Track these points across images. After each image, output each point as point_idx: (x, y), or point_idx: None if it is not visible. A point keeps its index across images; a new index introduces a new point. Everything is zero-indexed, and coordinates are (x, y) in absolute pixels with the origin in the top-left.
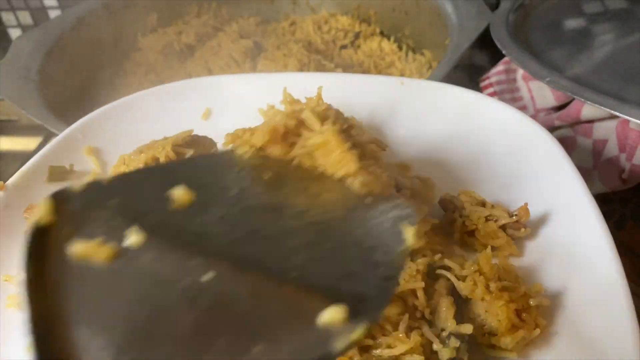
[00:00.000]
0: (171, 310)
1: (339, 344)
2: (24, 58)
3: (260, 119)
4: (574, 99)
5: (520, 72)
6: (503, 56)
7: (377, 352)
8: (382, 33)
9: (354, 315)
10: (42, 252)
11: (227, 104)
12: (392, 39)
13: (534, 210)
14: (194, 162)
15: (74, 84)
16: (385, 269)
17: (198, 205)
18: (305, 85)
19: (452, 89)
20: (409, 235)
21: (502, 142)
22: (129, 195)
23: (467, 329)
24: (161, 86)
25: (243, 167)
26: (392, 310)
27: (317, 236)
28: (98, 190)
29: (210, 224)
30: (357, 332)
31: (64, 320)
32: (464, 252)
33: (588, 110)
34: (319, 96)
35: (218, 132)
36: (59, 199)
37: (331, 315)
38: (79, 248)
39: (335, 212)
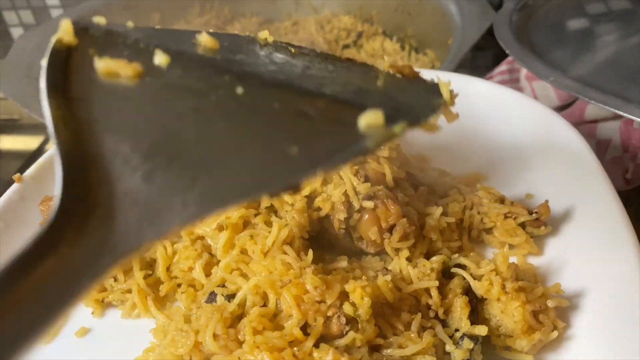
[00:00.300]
0: (204, 118)
1: (375, 139)
2: (26, 57)
3: None
4: (577, 99)
5: (524, 72)
6: (506, 56)
7: (388, 351)
8: (384, 33)
9: (391, 119)
10: (66, 68)
11: None
12: (394, 38)
13: (556, 207)
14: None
15: None
16: (424, 85)
17: (224, 50)
18: None
19: (472, 80)
20: (445, 91)
21: (524, 135)
22: (152, 34)
23: (482, 330)
24: None
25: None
26: (403, 309)
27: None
28: (120, 27)
29: (238, 60)
30: (397, 128)
31: (91, 127)
32: (481, 249)
33: (592, 110)
34: None
35: None
36: (80, 26)
37: (369, 117)
38: (105, 64)
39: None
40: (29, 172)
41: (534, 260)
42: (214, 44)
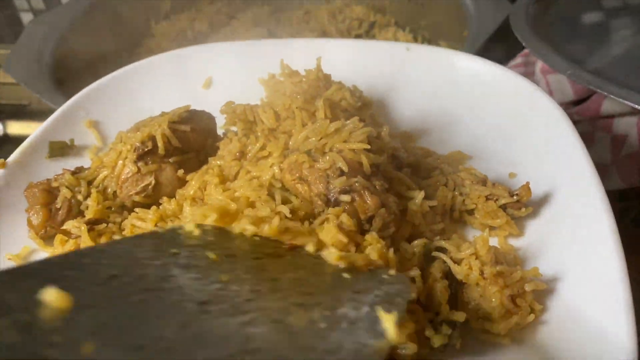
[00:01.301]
0: None
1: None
2: (37, 42)
3: (261, 88)
4: (593, 93)
5: (539, 66)
6: (521, 49)
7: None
8: (397, 24)
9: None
10: None
11: (228, 73)
12: (407, 29)
13: (537, 188)
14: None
15: (87, 68)
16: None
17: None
18: (309, 51)
19: (461, 57)
20: (389, 326)
21: (509, 113)
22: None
23: (460, 316)
24: (161, 55)
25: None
26: None
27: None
28: None
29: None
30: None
31: None
32: (463, 230)
33: (608, 105)
34: (319, 67)
35: (220, 102)
36: None
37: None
38: None
39: (295, 297)
40: (13, 157)
41: (515, 242)
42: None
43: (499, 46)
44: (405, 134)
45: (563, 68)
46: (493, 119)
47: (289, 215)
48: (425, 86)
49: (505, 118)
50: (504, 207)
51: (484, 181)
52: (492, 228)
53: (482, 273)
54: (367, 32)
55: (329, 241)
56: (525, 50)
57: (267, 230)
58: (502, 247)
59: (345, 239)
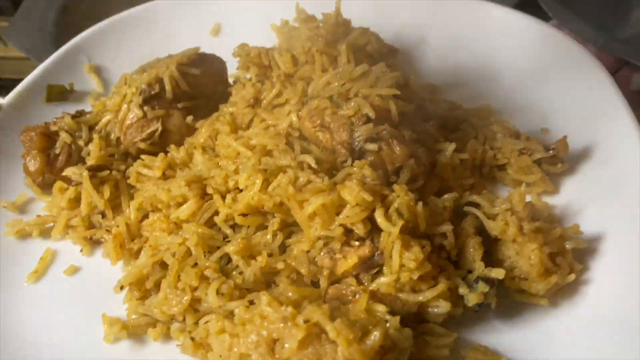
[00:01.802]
0: None
1: None
2: (39, 11)
3: (273, 35)
4: (620, 68)
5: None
6: (547, 20)
7: (402, 295)
8: None
9: None
10: None
11: (238, 18)
12: None
13: (573, 144)
14: None
15: None
16: None
17: None
18: None
19: (495, 8)
20: None
21: (541, 66)
22: None
23: (499, 273)
24: None
25: None
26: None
27: None
28: None
29: None
30: None
31: None
32: (493, 187)
33: (638, 79)
34: (338, 11)
35: (229, 50)
36: None
37: None
38: None
39: None
40: (8, 100)
41: (549, 200)
42: None
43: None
44: (430, 86)
45: (593, 38)
46: (525, 73)
47: (314, 166)
48: (455, 37)
49: (538, 73)
50: (538, 162)
51: (517, 134)
52: (526, 184)
53: (521, 229)
54: None
55: (353, 200)
56: (552, 22)
57: (284, 182)
58: (536, 204)
59: (369, 197)
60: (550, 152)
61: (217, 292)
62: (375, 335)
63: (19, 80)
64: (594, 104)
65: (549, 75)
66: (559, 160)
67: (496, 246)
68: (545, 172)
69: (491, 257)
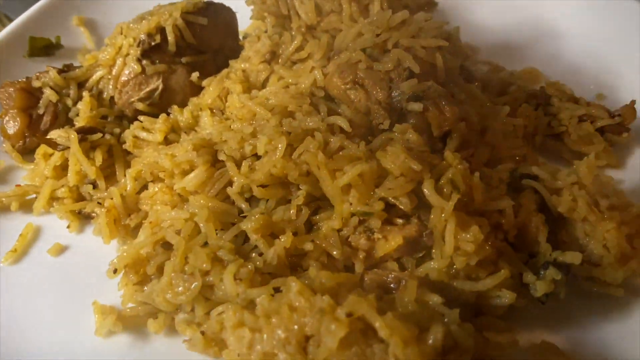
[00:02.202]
0: None
1: None
2: None
3: None
4: None
5: None
6: None
7: (457, 283)
8: None
9: None
10: None
11: None
12: None
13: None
14: None
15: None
16: None
17: None
18: None
19: None
20: None
21: (598, 25)
22: None
23: (575, 257)
24: None
25: None
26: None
27: None
28: None
29: None
30: None
31: None
32: (545, 160)
33: None
34: None
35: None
36: None
37: None
38: None
39: None
40: None
41: (613, 174)
42: None
43: None
44: (467, 46)
45: None
46: (578, 33)
47: (347, 129)
48: None
49: (591, 32)
50: (601, 131)
51: (575, 99)
52: (581, 155)
53: (596, 204)
54: None
55: (397, 170)
56: None
57: (313, 148)
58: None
59: (417, 165)
60: (616, 119)
61: (235, 277)
62: (436, 334)
63: None
64: None
65: (604, 37)
66: (624, 128)
67: (560, 226)
68: (609, 141)
69: (554, 238)
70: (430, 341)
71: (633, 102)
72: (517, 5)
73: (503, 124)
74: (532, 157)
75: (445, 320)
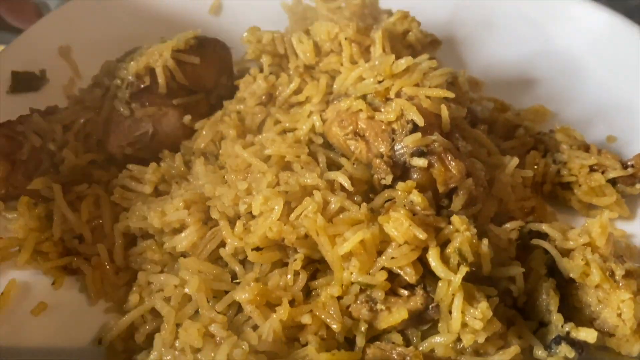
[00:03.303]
0: None
1: None
2: None
3: (284, 16)
4: None
5: None
6: None
7: (463, 359)
8: None
9: None
10: None
11: None
12: None
13: None
14: None
15: None
16: None
17: None
18: None
19: None
20: None
21: (613, 66)
22: None
23: (590, 336)
24: None
25: None
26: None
27: None
28: None
29: None
30: None
31: None
32: (555, 209)
33: None
34: None
35: (231, 32)
36: None
37: None
38: None
39: None
40: None
41: (625, 226)
42: None
43: None
44: (471, 81)
45: None
46: (587, 69)
47: (348, 187)
48: (500, 24)
49: (602, 69)
50: (613, 182)
51: (586, 146)
52: (593, 206)
53: (612, 274)
54: None
55: (401, 238)
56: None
57: (311, 210)
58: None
59: (422, 234)
60: (629, 169)
61: (228, 358)
62: None
63: None
64: None
65: (617, 75)
66: (637, 179)
67: (571, 289)
68: (621, 193)
69: (564, 302)
70: None
71: None
72: (525, 37)
73: (512, 176)
74: (541, 207)
75: None
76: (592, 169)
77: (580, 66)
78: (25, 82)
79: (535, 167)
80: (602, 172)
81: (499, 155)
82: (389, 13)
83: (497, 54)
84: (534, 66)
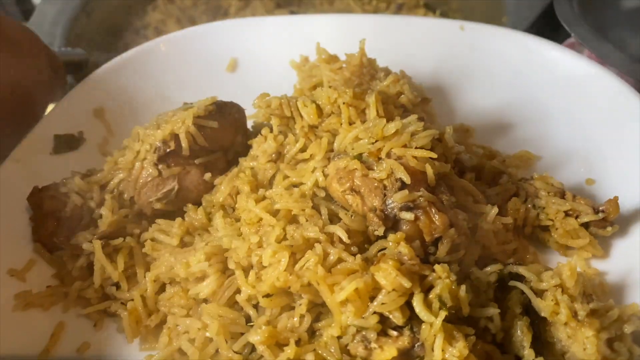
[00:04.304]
0: None
1: None
2: (48, 23)
3: (292, 72)
4: None
5: (586, 52)
6: (567, 36)
7: None
8: (426, 5)
9: None
10: None
11: (254, 53)
12: (437, 12)
13: (624, 201)
14: None
15: (98, 49)
16: None
17: None
18: (350, 28)
19: (528, 39)
20: None
21: (585, 107)
22: None
23: None
24: (180, 32)
25: None
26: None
27: None
28: None
29: None
30: None
31: None
32: (536, 247)
33: None
34: (362, 52)
35: (247, 88)
36: None
37: None
38: None
39: None
40: (14, 152)
41: (599, 264)
42: None
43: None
44: (461, 128)
45: (612, 59)
46: (566, 113)
47: (345, 240)
48: (484, 72)
49: (580, 113)
50: (586, 225)
51: (562, 192)
52: (569, 248)
53: (575, 314)
54: (395, 14)
55: (389, 285)
56: (571, 39)
57: (312, 263)
58: (584, 271)
59: (407, 283)
60: (600, 214)
61: None
62: None
63: None
64: None
65: (595, 120)
66: (609, 222)
67: (546, 325)
68: (594, 235)
69: (540, 337)
70: None
71: (616, 197)
72: (510, 85)
73: (493, 223)
74: (523, 249)
75: None
76: (567, 214)
77: (560, 111)
78: (65, 143)
79: (517, 212)
80: (576, 217)
81: (482, 204)
82: (386, 71)
83: (482, 101)
84: (516, 112)
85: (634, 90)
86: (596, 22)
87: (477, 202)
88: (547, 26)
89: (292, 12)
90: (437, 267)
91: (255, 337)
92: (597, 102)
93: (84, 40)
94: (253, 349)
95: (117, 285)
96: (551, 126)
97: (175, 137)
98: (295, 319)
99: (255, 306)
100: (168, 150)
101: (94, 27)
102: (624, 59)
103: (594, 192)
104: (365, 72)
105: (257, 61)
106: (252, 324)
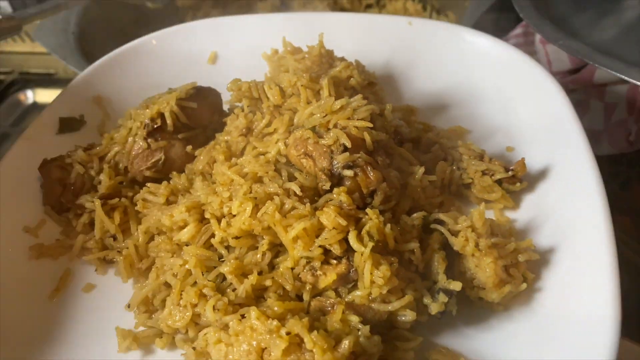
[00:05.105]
0: None
1: None
2: (63, 14)
3: (264, 63)
4: (588, 63)
5: (538, 36)
6: (521, 20)
7: (374, 305)
8: None
9: None
10: None
11: (232, 47)
12: None
13: (534, 163)
14: None
15: (111, 36)
16: None
17: None
18: (313, 26)
19: (464, 31)
20: None
21: (508, 87)
22: None
23: (456, 285)
24: (169, 28)
25: None
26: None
27: None
28: None
29: None
30: None
31: None
32: (461, 204)
33: (600, 74)
34: (321, 44)
35: (225, 77)
36: None
37: None
38: None
39: None
40: (25, 133)
41: (511, 214)
42: None
43: (501, 16)
44: (407, 108)
45: (555, 38)
46: (493, 93)
47: (299, 193)
48: (428, 61)
49: (504, 93)
50: (499, 182)
51: (481, 156)
52: (488, 201)
53: (477, 245)
54: (378, 2)
55: (330, 224)
56: (522, 23)
57: (271, 210)
58: (498, 220)
59: (344, 222)
60: (510, 172)
61: (214, 308)
62: (346, 344)
63: (45, 75)
64: (550, 124)
65: (516, 99)
66: (517, 180)
67: (459, 259)
68: (506, 190)
69: (454, 269)
70: (341, 349)
71: (523, 159)
72: (449, 71)
73: (420, 180)
74: (448, 202)
75: (359, 333)
76: (484, 173)
77: (489, 91)
78: (68, 125)
79: (444, 173)
80: (491, 175)
81: (413, 165)
82: (342, 59)
83: (425, 85)
84: (453, 94)
85: (547, 70)
86: (556, 7)
87: (411, 164)
88: (507, 9)
89: (280, 2)
90: (368, 210)
91: (225, 268)
92: (519, 82)
93: (95, 28)
94: (224, 279)
95: (114, 237)
96: (481, 104)
97: (162, 115)
98: (258, 255)
99: (227, 247)
100: (155, 126)
101: (104, 16)
102: (568, 39)
103: (512, 157)
104: (325, 61)
105: (234, 54)
106: (223, 259)
